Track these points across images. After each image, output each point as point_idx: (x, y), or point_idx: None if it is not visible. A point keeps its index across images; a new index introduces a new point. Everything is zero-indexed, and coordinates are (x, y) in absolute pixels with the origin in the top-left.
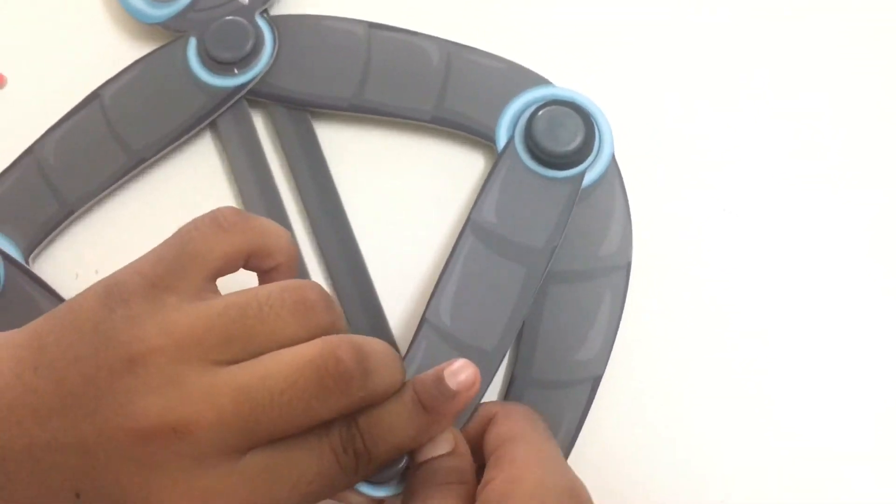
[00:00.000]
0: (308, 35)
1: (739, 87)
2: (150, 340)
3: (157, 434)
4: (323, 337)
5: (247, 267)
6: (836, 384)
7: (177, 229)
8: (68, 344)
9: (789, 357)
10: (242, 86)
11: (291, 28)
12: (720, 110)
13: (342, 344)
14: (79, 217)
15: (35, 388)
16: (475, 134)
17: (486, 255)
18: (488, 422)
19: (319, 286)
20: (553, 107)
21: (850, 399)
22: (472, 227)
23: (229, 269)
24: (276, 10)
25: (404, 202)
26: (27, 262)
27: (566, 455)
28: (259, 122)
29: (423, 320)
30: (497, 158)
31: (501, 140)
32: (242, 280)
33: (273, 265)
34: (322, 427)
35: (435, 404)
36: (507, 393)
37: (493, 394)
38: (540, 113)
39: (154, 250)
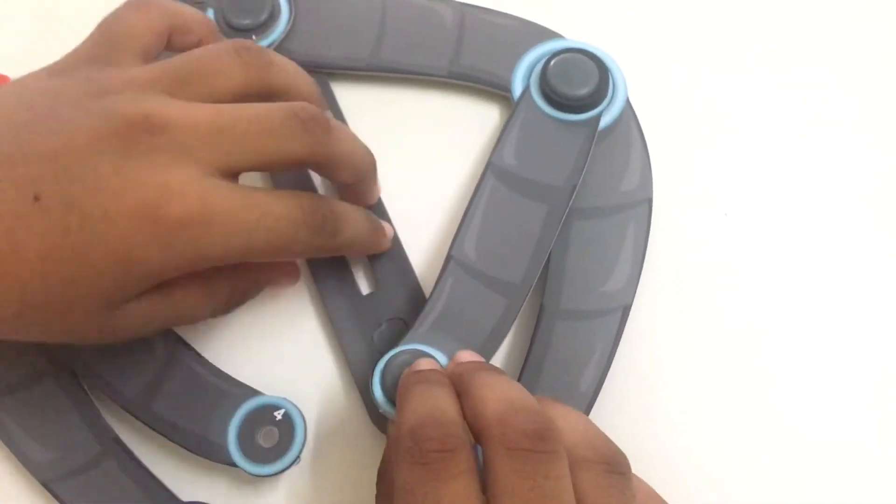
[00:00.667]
0: (323, 0)
1: (748, 45)
2: (111, 83)
3: (134, 125)
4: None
5: (172, 46)
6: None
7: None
8: (15, 99)
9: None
10: None
11: None
12: (729, 71)
13: (308, 104)
14: None
15: None
16: (491, 86)
17: (507, 194)
18: None
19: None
20: (567, 54)
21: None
22: (492, 169)
23: (156, 45)
24: None
25: (423, 156)
26: None
27: (599, 385)
28: None
29: (448, 258)
30: (514, 106)
31: (517, 90)
32: None
33: (195, 40)
34: (292, 191)
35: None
36: (538, 323)
37: (521, 325)
38: (554, 60)
39: (83, 41)
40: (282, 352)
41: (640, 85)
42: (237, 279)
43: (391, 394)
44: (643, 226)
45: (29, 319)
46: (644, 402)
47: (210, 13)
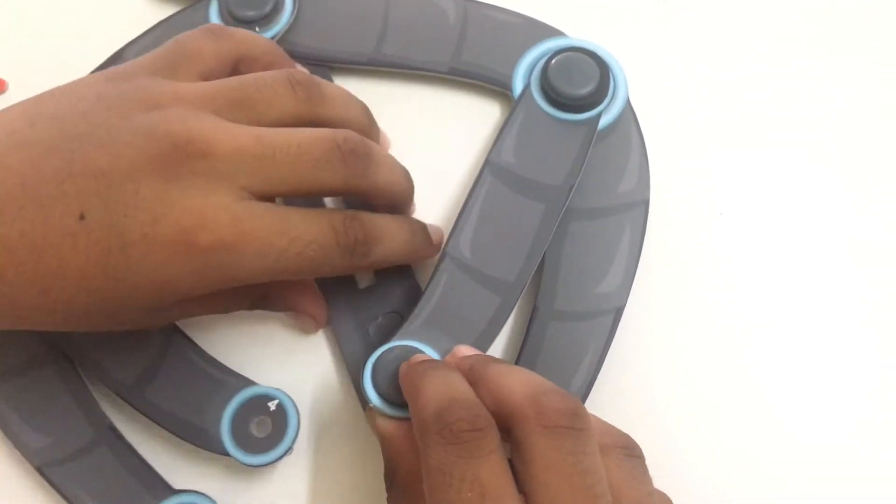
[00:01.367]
0: None
1: (749, 46)
2: (164, 97)
3: (178, 148)
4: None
5: (237, 72)
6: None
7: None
8: (69, 105)
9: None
10: None
11: None
12: (728, 71)
13: (353, 133)
14: None
15: (29, 139)
16: (492, 83)
17: (504, 193)
18: None
19: (305, 71)
20: (568, 53)
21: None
22: (490, 167)
23: (219, 72)
24: None
25: (422, 151)
26: None
27: (590, 386)
28: None
29: (443, 254)
30: (514, 104)
31: (518, 88)
32: None
33: (260, 69)
34: (326, 210)
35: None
36: (531, 323)
37: (514, 324)
38: (555, 59)
39: (151, 52)
40: (277, 342)
41: (641, 84)
42: (267, 289)
43: (381, 388)
44: (639, 228)
45: (75, 323)
46: (635, 403)
47: (214, 5)
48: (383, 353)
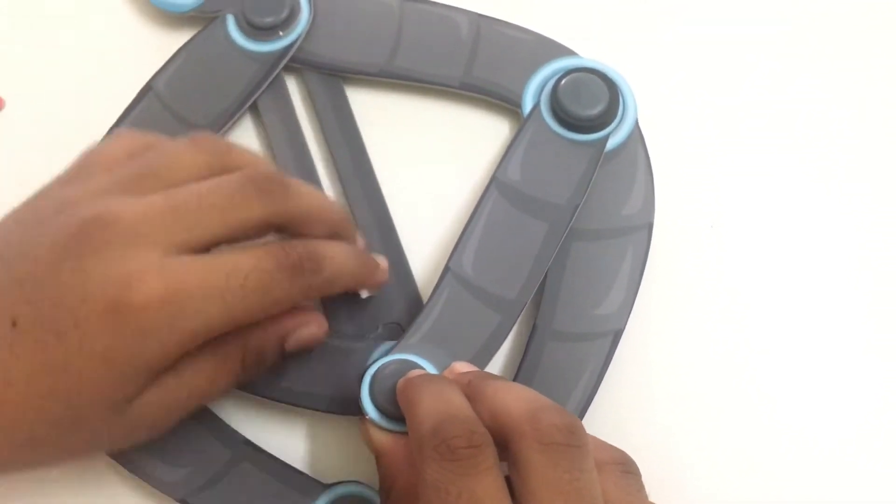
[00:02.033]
0: (342, 3)
1: (756, 67)
2: (74, 195)
3: (87, 224)
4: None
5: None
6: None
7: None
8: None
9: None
10: (288, 47)
11: None
12: (736, 95)
13: (265, 168)
14: None
15: None
16: (502, 100)
17: (509, 210)
18: None
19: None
20: (579, 73)
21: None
22: (496, 184)
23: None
24: None
25: (431, 164)
26: None
27: (585, 407)
28: (293, 88)
29: (446, 269)
30: (523, 121)
31: (527, 105)
32: None
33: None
34: (264, 241)
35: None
36: (529, 342)
37: (513, 342)
38: (566, 79)
39: (66, 168)
40: None
41: (650, 106)
42: (247, 338)
43: (379, 402)
44: (641, 251)
45: (42, 441)
46: (632, 422)
47: (231, 19)
48: (381, 366)
